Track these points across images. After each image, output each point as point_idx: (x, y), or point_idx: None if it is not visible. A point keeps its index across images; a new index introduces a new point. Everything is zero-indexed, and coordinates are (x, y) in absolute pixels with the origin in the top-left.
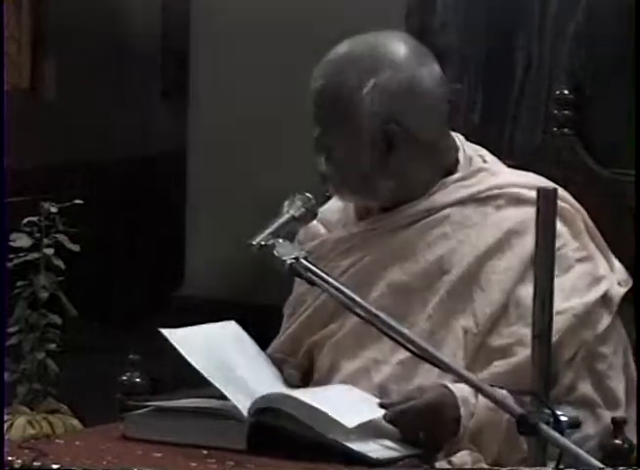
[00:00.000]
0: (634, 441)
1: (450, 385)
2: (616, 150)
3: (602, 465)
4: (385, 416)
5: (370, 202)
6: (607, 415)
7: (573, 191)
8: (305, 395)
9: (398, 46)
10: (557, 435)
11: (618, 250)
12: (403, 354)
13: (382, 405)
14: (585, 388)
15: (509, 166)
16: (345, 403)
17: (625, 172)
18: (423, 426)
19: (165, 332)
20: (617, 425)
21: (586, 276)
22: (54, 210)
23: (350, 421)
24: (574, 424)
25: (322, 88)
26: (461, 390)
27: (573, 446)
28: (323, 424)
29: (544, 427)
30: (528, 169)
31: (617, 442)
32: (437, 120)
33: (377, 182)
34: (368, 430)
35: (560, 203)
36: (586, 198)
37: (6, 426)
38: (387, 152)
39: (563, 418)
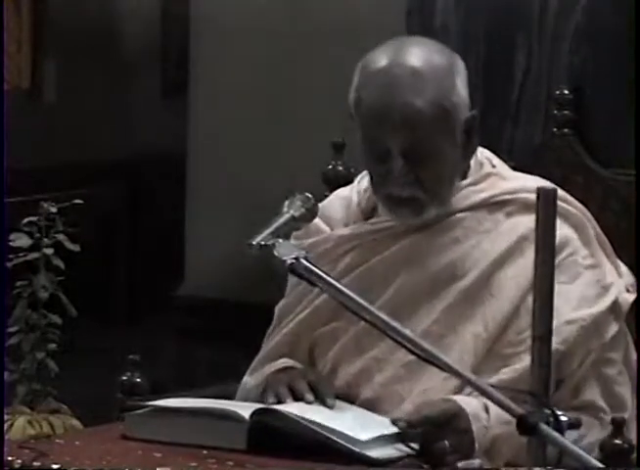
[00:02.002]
0: (634, 441)
1: (458, 400)
2: (616, 150)
3: (602, 465)
4: (400, 431)
5: (445, 208)
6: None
7: (573, 191)
8: (310, 413)
9: (431, 43)
10: (557, 435)
11: (618, 250)
12: (405, 355)
13: (394, 422)
14: (592, 394)
15: (509, 167)
16: (353, 421)
17: (625, 172)
18: (441, 434)
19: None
20: (617, 425)
21: (595, 284)
22: (54, 210)
23: (363, 436)
24: (575, 424)
25: (421, 107)
26: (469, 405)
27: (574, 447)
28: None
29: (544, 427)
30: (529, 169)
31: (617, 442)
32: None
33: (456, 182)
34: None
35: (570, 209)
36: (586, 198)
37: (6, 426)
38: (466, 141)
39: (563, 418)
